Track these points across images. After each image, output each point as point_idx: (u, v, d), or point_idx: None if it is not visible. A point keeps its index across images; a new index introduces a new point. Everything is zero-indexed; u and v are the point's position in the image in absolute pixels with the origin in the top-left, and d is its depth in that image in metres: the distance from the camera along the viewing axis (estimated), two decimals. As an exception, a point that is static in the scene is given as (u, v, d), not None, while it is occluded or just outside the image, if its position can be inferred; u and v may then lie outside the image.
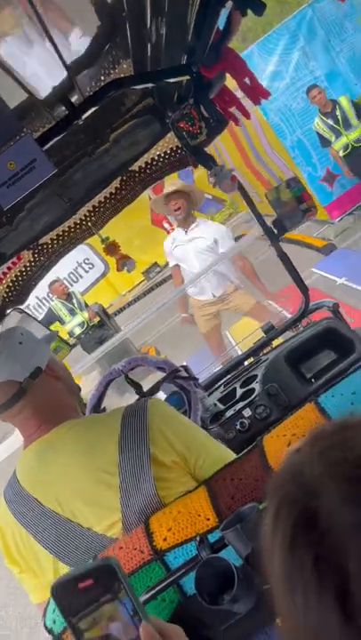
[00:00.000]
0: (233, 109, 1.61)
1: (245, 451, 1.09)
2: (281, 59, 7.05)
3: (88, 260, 13.41)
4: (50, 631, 1.03)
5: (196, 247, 4.35)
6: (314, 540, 0.44)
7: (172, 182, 4.29)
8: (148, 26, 1.21)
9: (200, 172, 12.69)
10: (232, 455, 1.30)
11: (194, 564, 0.94)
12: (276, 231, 2.10)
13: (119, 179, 2.10)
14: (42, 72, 1.17)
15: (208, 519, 1.02)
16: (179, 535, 1.02)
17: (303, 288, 2.24)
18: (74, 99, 1.36)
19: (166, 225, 13.07)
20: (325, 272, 6.18)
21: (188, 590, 1.02)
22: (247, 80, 1.38)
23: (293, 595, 0.44)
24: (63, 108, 1.33)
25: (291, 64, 7.07)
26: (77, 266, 12.72)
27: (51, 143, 1.35)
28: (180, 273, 4.65)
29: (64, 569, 1.15)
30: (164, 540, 1.02)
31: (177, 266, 4.62)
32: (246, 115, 1.63)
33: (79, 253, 12.93)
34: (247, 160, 9.42)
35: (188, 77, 1.42)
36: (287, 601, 0.45)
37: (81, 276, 12.95)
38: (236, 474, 1.05)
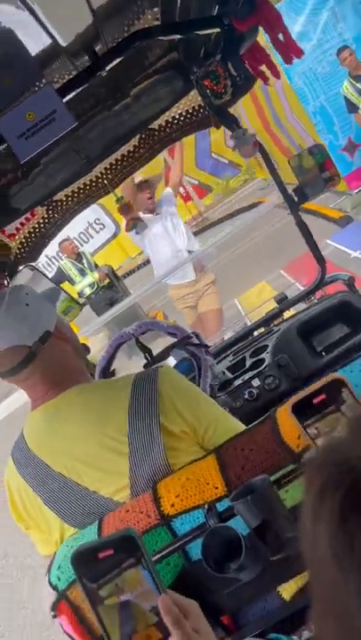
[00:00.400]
0: (262, 68, 1.54)
1: (257, 422, 1.08)
2: (309, 19, 6.78)
3: (99, 220, 13.29)
4: (54, 587, 1.04)
5: (169, 222, 4.39)
6: None
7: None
8: None
9: (217, 134, 12.43)
10: (241, 426, 1.29)
11: (201, 531, 0.94)
12: (296, 199, 2.04)
13: (138, 137, 2.04)
14: (67, 16, 1.11)
15: (217, 488, 1.01)
16: (186, 502, 1.01)
17: (320, 259, 2.19)
18: (97, 48, 1.30)
19: (181, 189, 12.89)
20: (340, 244, 6.08)
21: (193, 556, 1.03)
22: (280, 36, 1.30)
23: (346, 578, 0.42)
24: (86, 57, 1.27)
25: (319, 25, 6.80)
26: (88, 226, 12.63)
27: (72, 95, 1.30)
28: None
29: (70, 530, 1.16)
30: (172, 505, 1.02)
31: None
32: (276, 74, 1.55)
33: (90, 213, 12.79)
34: (266, 124, 9.19)
35: (218, 30, 1.35)
36: (335, 585, 0.43)
37: (91, 237, 12.87)
38: (247, 444, 1.04)
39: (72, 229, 11.06)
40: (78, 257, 6.86)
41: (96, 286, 6.81)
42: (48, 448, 1.20)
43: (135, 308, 6.35)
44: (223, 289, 4.88)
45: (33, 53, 1.15)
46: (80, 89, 1.42)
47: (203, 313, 4.58)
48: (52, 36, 1.09)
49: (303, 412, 0.76)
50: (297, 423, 0.77)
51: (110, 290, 6.91)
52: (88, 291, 6.80)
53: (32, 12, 0.96)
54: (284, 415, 1.04)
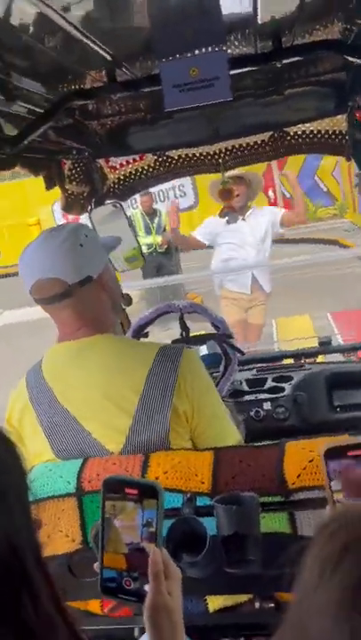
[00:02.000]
0: None
1: (265, 444, 1.09)
2: None
3: (183, 187, 13.28)
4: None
5: (254, 235, 4.32)
6: None
7: None
8: None
9: (329, 160, 12.24)
10: (236, 437, 1.31)
11: (173, 514, 0.97)
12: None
13: (270, 133, 2.03)
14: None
15: (203, 483, 1.04)
16: (171, 482, 1.04)
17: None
18: (283, 39, 1.30)
19: (271, 194, 12.79)
20: None
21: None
22: None
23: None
24: (270, 43, 1.27)
25: None
26: (171, 187, 12.61)
27: (240, 70, 1.30)
28: (197, 241, 4.58)
29: (51, 461, 1.19)
30: (156, 478, 1.05)
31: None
32: None
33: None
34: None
35: None
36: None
37: (169, 198, 12.86)
38: (246, 458, 1.06)
39: (156, 184, 11.04)
40: (153, 214, 6.87)
41: (153, 249, 6.84)
42: (61, 382, 1.24)
43: (178, 285, 6.38)
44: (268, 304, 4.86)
45: (225, 13, 1.15)
46: (249, 69, 1.42)
47: (249, 324, 4.57)
48: (255, 7, 1.09)
49: (334, 459, 0.78)
50: (323, 468, 0.78)
51: (165, 256, 6.94)
52: (144, 250, 6.83)
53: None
54: (294, 451, 1.05)
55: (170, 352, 1.27)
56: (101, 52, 1.22)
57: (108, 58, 1.24)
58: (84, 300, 1.27)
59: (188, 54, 1.26)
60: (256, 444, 1.12)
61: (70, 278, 1.24)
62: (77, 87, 1.43)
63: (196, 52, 1.25)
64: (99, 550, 0.83)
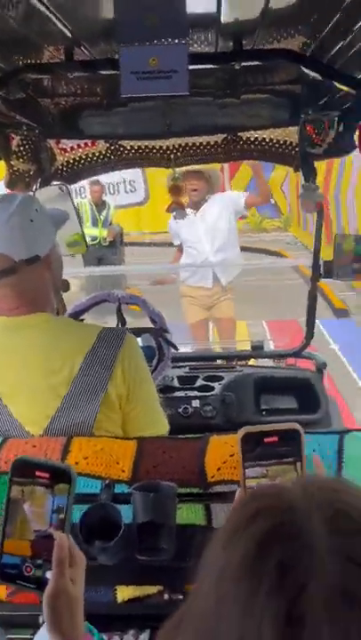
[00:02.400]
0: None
1: (189, 436, 1.10)
2: None
3: (134, 182, 13.23)
4: None
5: (206, 226, 4.20)
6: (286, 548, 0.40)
7: None
8: None
9: (279, 172, 12.54)
10: (167, 427, 1.32)
11: (90, 499, 0.96)
12: (322, 272, 2.10)
13: (224, 136, 2.06)
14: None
15: (123, 471, 1.03)
16: (91, 468, 1.03)
17: (310, 333, 2.25)
18: (244, 42, 1.32)
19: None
20: (326, 330, 6.22)
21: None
22: None
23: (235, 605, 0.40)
24: (231, 44, 1.29)
25: None
26: (122, 181, 12.52)
27: (198, 66, 1.31)
28: (179, 256, 4.52)
29: None
30: (76, 463, 1.03)
31: (180, 249, 4.51)
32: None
33: (130, 171, 12.74)
34: (326, 189, 9.32)
35: (355, 92, 1.39)
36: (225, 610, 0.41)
37: (118, 192, 12.75)
38: (170, 450, 1.07)
39: (106, 176, 10.95)
40: (101, 205, 6.78)
41: (98, 242, 6.74)
42: None
43: (120, 277, 6.34)
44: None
45: (189, 10, 1.16)
46: (207, 67, 1.44)
47: (219, 319, 4.48)
48: (219, 7, 1.10)
49: (250, 446, 0.80)
50: (240, 454, 0.80)
51: (108, 249, 6.87)
52: (88, 241, 6.73)
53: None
54: (216, 445, 1.07)
55: (111, 335, 1.24)
56: (62, 27, 1.19)
57: (68, 34, 1.21)
58: (28, 278, 1.22)
59: (149, 43, 1.26)
60: (181, 436, 1.12)
61: (17, 255, 1.20)
62: (33, 61, 1.39)
63: (157, 42, 1.25)
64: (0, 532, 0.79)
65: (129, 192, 12.85)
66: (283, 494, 0.46)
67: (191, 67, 1.27)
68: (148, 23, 1.24)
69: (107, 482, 0.98)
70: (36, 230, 1.23)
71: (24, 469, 0.79)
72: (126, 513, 0.95)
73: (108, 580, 1.12)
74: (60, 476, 0.78)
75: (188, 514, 1.01)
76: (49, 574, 0.76)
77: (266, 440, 0.79)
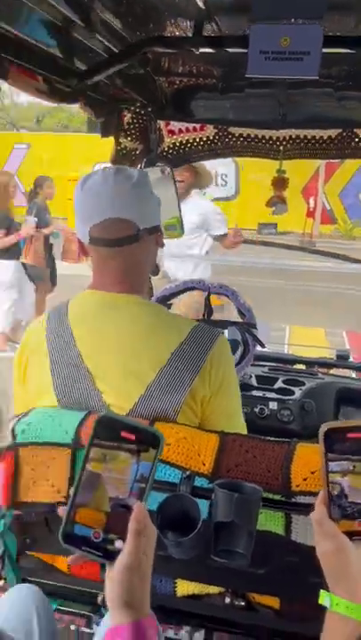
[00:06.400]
0: None
1: (276, 440, 1.04)
2: None
3: (226, 176, 13.16)
4: (14, 435, 1.06)
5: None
6: None
7: None
8: None
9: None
10: (243, 431, 1.25)
11: (168, 487, 0.93)
12: None
13: (339, 131, 1.95)
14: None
15: (204, 464, 0.99)
16: (172, 456, 1.00)
17: None
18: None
19: (311, 202, 12.62)
20: None
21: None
22: None
23: None
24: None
25: None
26: (216, 174, 12.52)
27: (331, 50, 1.23)
28: None
29: (50, 406, 1.14)
30: (157, 449, 1.00)
31: None
32: None
33: (224, 165, 12.68)
34: None
35: None
36: None
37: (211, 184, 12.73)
38: (253, 449, 1.01)
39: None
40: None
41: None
42: (84, 329, 1.18)
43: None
44: (285, 311, 4.77)
45: None
46: (336, 52, 1.35)
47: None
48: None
49: (333, 441, 0.75)
50: (323, 448, 0.75)
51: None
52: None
53: None
54: (304, 453, 1.00)
55: (205, 333, 1.19)
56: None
57: (202, 6, 1.16)
58: (142, 251, 1.21)
59: (283, 22, 1.19)
60: (265, 438, 1.06)
61: (142, 223, 1.19)
62: (159, 34, 1.37)
63: (292, 20, 1.19)
64: (70, 498, 0.73)
65: (220, 185, 12.81)
66: None
67: (325, 50, 1.19)
68: (283, 1, 1.18)
69: (187, 473, 0.94)
70: (155, 202, 1.24)
71: (109, 428, 0.73)
72: (203, 508, 0.90)
73: (171, 571, 1.09)
74: (146, 439, 0.73)
75: (266, 520, 0.96)
76: (118, 544, 0.72)
77: (350, 435, 0.73)
